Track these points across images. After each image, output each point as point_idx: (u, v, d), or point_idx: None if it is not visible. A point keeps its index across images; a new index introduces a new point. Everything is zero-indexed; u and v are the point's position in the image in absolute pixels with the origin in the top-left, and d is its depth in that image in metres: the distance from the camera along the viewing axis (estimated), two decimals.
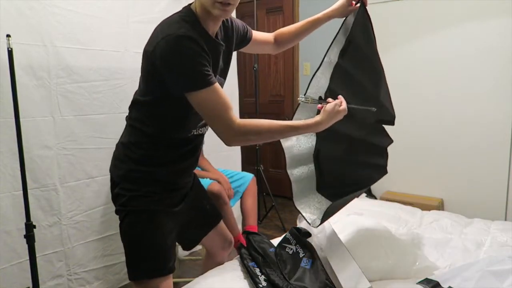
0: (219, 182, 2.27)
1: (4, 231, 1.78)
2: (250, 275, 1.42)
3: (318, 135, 1.54)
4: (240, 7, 1.33)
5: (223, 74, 1.35)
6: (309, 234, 1.66)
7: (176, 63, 1.10)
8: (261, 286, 1.34)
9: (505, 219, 2.43)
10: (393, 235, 1.67)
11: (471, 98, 2.54)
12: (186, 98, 1.13)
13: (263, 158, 3.79)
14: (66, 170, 1.98)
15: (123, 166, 1.29)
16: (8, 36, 1.58)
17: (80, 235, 2.06)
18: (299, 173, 1.58)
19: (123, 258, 1.29)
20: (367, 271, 1.39)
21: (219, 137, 1.16)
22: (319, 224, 1.43)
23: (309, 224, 1.47)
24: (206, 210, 1.56)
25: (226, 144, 1.17)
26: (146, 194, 1.25)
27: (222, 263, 1.60)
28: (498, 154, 2.48)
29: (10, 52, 1.59)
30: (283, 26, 1.60)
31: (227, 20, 1.32)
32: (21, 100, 1.66)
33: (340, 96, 1.31)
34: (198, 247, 1.66)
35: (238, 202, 2.49)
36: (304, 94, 1.33)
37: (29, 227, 1.67)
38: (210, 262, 1.63)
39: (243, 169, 2.89)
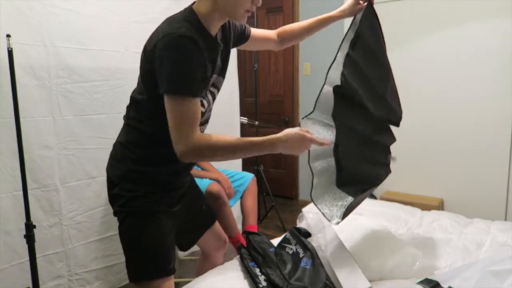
0: (219, 181, 2.27)
1: (4, 231, 1.78)
2: (250, 275, 1.41)
3: (337, 129, 1.50)
4: None
5: (222, 73, 1.35)
6: (309, 234, 1.66)
7: (170, 61, 1.09)
8: (261, 286, 1.34)
9: (505, 219, 2.42)
10: (393, 235, 1.67)
11: (471, 98, 2.54)
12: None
13: (263, 158, 3.78)
14: (67, 170, 1.98)
15: (121, 166, 1.28)
16: (8, 36, 1.58)
17: (80, 236, 2.06)
18: (320, 167, 1.53)
19: (124, 259, 1.28)
20: (367, 271, 1.39)
21: (174, 147, 1.13)
22: (339, 222, 1.41)
23: (329, 220, 1.44)
24: (202, 210, 1.56)
25: (179, 158, 1.13)
26: (146, 195, 1.25)
27: (218, 264, 1.60)
28: (498, 154, 2.48)
29: (10, 52, 1.59)
30: (283, 25, 1.61)
31: None
32: (21, 100, 1.66)
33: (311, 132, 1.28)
34: (198, 247, 1.67)
35: (238, 202, 2.50)
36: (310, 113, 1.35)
37: (29, 227, 1.67)
38: (206, 264, 1.63)
39: (243, 169, 2.89)
